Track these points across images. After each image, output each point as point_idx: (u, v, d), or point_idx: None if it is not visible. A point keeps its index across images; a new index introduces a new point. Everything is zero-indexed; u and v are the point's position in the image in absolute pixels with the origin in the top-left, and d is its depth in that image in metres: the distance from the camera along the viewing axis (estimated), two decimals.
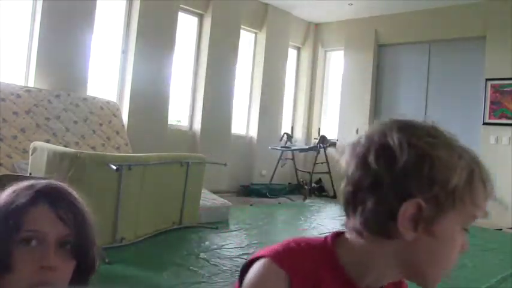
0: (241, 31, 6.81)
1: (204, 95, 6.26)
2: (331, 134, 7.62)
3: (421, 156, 0.66)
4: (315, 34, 8.13)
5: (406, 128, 0.70)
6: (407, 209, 0.66)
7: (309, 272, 0.71)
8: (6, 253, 0.75)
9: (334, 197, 7.17)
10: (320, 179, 7.50)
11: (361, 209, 0.69)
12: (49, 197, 0.81)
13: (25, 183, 0.83)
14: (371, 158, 0.68)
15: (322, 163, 7.08)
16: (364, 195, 0.68)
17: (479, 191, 0.69)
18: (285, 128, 7.74)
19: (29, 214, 0.78)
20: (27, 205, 0.79)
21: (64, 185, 0.86)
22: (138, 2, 5.43)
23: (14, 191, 0.82)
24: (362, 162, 0.69)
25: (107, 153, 4.07)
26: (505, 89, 5.96)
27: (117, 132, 4.94)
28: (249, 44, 7.28)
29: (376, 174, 0.67)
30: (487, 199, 0.71)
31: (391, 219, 0.66)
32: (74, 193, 0.86)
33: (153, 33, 5.57)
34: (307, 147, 7.39)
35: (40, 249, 0.77)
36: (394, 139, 0.68)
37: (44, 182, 0.84)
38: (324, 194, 7.46)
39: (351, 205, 0.72)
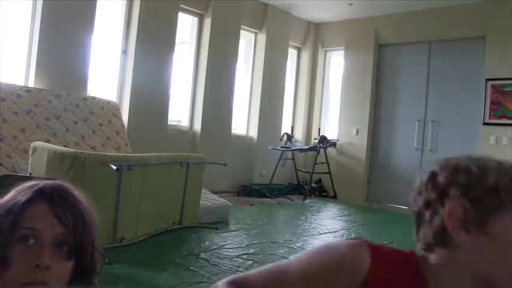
0: (241, 31, 6.81)
1: (204, 95, 6.26)
2: (331, 134, 7.62)
3: (456, 168, 0.76)
4: (315, 34, 8.13)
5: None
6: (452, 210, 0.73)
7: (392, 273, 0.75)
8: (4, 250, 0.76)
9: (334, 197, 7.17)
10: (320, 179, 7.50)
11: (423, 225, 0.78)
12: (48, 196, 0.81)
13: (30, 183, 0.84)
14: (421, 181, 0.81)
15: (322, 163, 7.08)
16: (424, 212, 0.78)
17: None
18: (285, 128, 7.74)
19: (28, 212, 0.79)
20: (26, 203, 0.79)
21: (68, 186, 0.86)
22: (138, 1, 5.43)
23: (16, 190, 0.83)
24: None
25: (107, 153, 4.07)
26: (505, 89, 5.96)
27: (117, 132, 4.94)
28: (249, 44, 7.28)
29: (426, 194, 0.78)
30: None
31: (443, 228, 0.74)
32: (78, 194, 0.86)
33: (153, 33, 5.57)
34: (307, 147, 7.39)
35: (36, 248, 0.77)
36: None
37: (47, 182, 0.85)
38: (323, 194, 7.46)
39: (416, 225, 0.81)
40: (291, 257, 0.78)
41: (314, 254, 0.77)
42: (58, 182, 0.86)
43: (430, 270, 0.76)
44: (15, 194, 0.82)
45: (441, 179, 0.76)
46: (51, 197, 0.81)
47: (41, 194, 0.81)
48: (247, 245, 3.71)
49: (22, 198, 0.80)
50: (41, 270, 0.76)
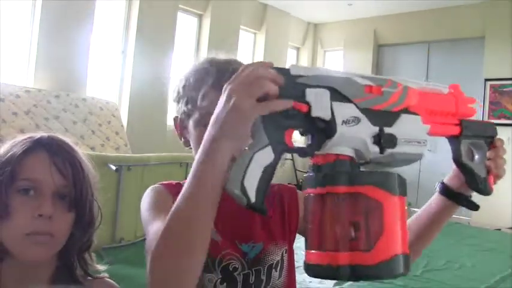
0: (241, 31, 6.81)
1: None
2: None
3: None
4: (314, 34, 8.13)
5: None
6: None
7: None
8: (4, 201, 0.75)
9: None
10: None
11: None
12: (47, 147, 0.80)
13: (24, 135, 0.83)
14: None
15: None
16: None
17: (203, 88, 0.87)
18: None
19: (26, 162, 0.78)
20: (25, 154, 0.78)
21: (65, 139, 0.85)
22: (138, 2, 5.43)
23: (13, 142, 0.82)
24: None
25: (107, 154, 4.07)
26: (504, 89, 5.97)
27: (117, 133, 4.94)
28: (248, 44, 7.29)
29: None
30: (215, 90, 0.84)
31: None
32: (75, 147, 0.86)
33: (153, 33, 5.56)
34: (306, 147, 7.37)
35: (37, 198, 0.76)
36: None
37: (44, 133, 0.84)
38: None
39: None
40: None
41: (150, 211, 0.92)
42: (55, 134, 0.85)
43: None
44: (11, 146, 0.80)
45: None
46: (50, 148, 0.80)
47: (39, 145, 0.80)
48: None
49: (19, 149, 0.79)
50: (44, 220, 0.75)
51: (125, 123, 5.23)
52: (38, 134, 0.83)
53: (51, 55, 4.67)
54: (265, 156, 0.56)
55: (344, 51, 7.66)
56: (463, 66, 6.46)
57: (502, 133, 4.93)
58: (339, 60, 7.91)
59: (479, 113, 6.11)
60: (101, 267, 0.92)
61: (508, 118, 5.89)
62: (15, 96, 4.15)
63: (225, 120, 0.57)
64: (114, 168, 3.17)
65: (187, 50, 6.36)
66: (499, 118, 5.97)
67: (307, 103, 0.57)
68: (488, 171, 0.75)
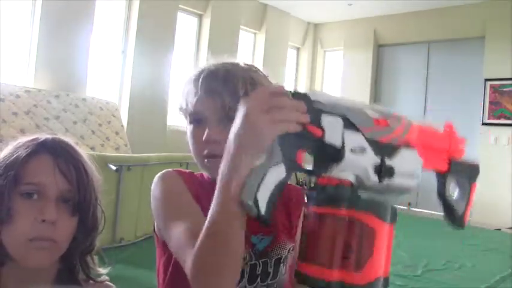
0: (241, 31, 6.81)
1: None
2: None
3: None
4: (314, 34, 8.13)
5: None
6: None
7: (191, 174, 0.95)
8: (7, 205, 0.74)
9: None
10: None
11: None
12: (51, 150, 0.79)
13: (29, 137, 0.82)
14: None
15: None
16: None
17: (186, 90, 0.92)
18: None
19: (30, 166, 0.77)
20: (28, 157, 0.77)
21: (69, 141, 0.84)
22: (138, 2, 5.43)
23: (16, 144, 0.80)
24: None
25: (106, 154, 4.07)
26: (504, 89, 5.97)
27: (117, 133, 4.94)
28: (248, 44, 7.29)
29: None
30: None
31: None
32: (79, 149, 0.84)
33: (153, 33, 5.57)
34: None
35: (41, 203, 0.75)
36: None
37: (47, 136, 0.83)
38: None
39: None
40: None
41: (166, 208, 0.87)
42: (59, 137, 0.84)
43: None
44: (14, 148, 0.79)
45: None
46: (54, 151, 0.79)
47: (43, 148, 0.79)
48: None
49: (23, 152, 0.77)
50: (47, 225, 0.74)
51: (125, 123, 5.23)
52: (41, 137, 0.82)
53: (51, 55, 4.67)
54: (278, 172, 0.60)
55: (344, 51, 7.66)
56: (463, 66, 6.46)
57: (502, 133, 4.97)
58: (338, 61, 7.92)
59: (480, 113, 6.11)
60: (102, 270, 0.92)
61: (508, 118, 5.88)
62: (15, 96, 4.15)
63: (242, 137, 0.60)
64: (114, 168, 3.17)
65: (187, 50, 6.36)
66: (498, 118, 5.97)
67: (322, 128, 0.61)
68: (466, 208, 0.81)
